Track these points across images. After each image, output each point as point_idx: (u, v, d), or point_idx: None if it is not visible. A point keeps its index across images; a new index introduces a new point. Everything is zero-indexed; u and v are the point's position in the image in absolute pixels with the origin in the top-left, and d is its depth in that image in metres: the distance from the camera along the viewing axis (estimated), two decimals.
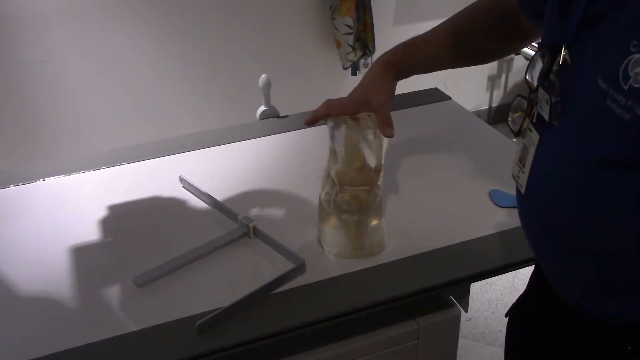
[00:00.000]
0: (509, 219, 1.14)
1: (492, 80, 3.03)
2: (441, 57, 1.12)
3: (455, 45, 1.10)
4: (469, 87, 2.98)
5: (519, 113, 0.81)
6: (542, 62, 0.72)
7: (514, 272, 1.05)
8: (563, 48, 0.69)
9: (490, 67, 2.98)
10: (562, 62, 0.69)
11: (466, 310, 1.10)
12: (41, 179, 1.34)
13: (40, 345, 0.91)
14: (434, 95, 1.65)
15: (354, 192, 1.01)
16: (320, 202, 1.06)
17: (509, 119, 0.84)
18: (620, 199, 0.66)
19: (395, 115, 1.56)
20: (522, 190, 0.79)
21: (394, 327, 1.04)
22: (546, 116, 0.73)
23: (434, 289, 1.00)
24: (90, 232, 1.16)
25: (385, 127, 0.97)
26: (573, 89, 0.68)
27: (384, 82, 1.05)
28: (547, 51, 0.71)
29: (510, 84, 3.11)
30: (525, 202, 0.80)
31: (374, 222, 1.05)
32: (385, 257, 1.05)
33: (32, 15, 2.11)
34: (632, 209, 0.65)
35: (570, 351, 0.84)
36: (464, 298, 1.10)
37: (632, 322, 0.73)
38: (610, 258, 0.70)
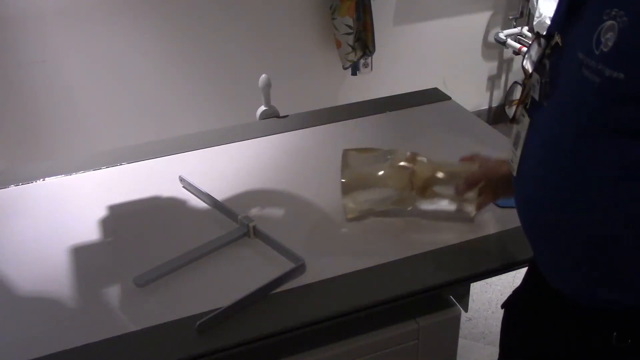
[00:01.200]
0: (509, 219, 1.14)
1: (492, 80, 3.03)
2: None
3: None
4: (469, 87, 2.98)
5: (515, 100, 0.84)
6: (537, 49, 0.78)
7: (514, 272, 1.05)
8: (556, 33, 0.74)
9: (490, 67, 2.98)
10: (554, 45, 0.74)
11: (466, 310, 1.10)
12: (41, 179, 1.34)
13: (40, 345, 0.91)
14: (434, 95, 1.65)
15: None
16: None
17: (506, 106, 0.87)
18: (602, 169, 0.68)
19: (395, 115, 1.57)
20: (514, 173, 0.83)
21: (394, 327, 1.04)
22: (536, 96, 0.77)
23: (434, 289, 1.00)
24: (90, 232, 1.16)
25: (463, 185, 1.06)
26: (560, 68, 0.73)
27: (497, 171, 1.05)
28: (543, 40, 0.76)
29: (510, 84, 3.11)
30: (517, 184, 0.82)
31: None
32: (385, 257, 1.05)
33: (32, 15, 2.11)
34: (612, 181, 0.67)
35: (562, 340, 0.85)
36: (464, 298, 1.10)
37: (619, 309, 0.74)
38: (595, 238, 0.71)
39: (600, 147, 0.67)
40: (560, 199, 0.73)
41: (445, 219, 1.13)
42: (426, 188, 1.10)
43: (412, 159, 1.10)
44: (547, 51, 0.75)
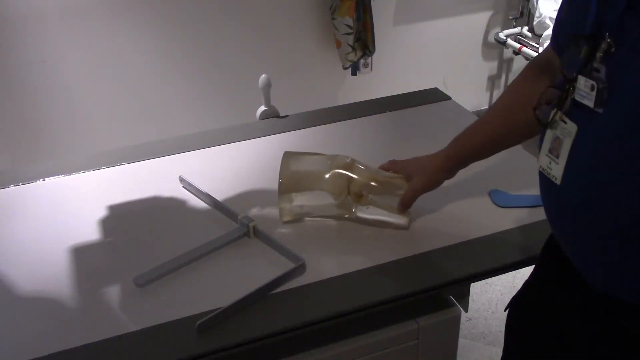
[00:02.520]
0: (508, 219, 1.14)
1: (492, 80, 3.03)
2: (496, 139, 1.09)
3: (509, 123, 1.06)
4: (469, 87, 2.98)
5: (547, 104, 0.80)
6: (579, 52, 0.72)
7: (514, 272, 1.05)
8: (607, 35, 0.69)
9: (490, 67, 2.98)
10: (605, 49, 0.70)
11: (466, 310, 1.10)
12: (41, 179, 1.34)
13: (40, 345, 0.91)
14: (434, 95, 1.65)
15: None
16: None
17: (536, 110, 0.82)
18: None
19: (395, 115, 1.56)
20: (558, 182, 0.78)
21: (394, 327, 1.04)
22: (591, 103, 0.72)
23: (434, 289, 0.99)
24: (90, 232, 1.16)
25: (400, 205, 1.10)
26: (618, 75, 0.68)
27: (433, 173, 1.11)
28: (585, 41, 0.71)
29: (510, 83, 3.12)
30: (561, 193, 0.78)
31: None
32: (385, 257, 1.05)
33: (32, 15, 2.11)
34: None
35: (571, 340, 0.85)
36: (464, 298, 1.10)
37: None
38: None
39: None
40: (619, 209, 0.71)
41: (382, 227, 1.13)
42: (362, 195, 1.11)
43: (351, 165, 1.12)
44: (600, 54, 0.70)
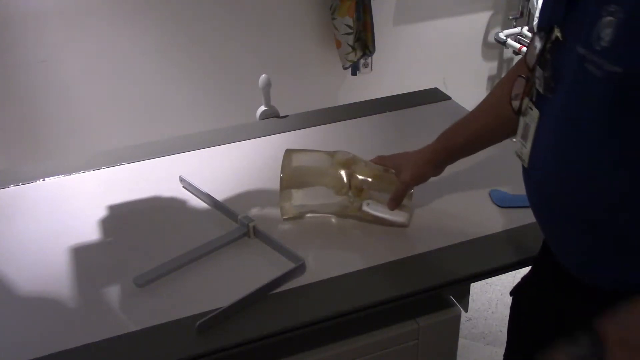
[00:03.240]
0: (508, 219, 1.14)
1: (492, 80, 3.03)
2: (482, 134, 1.11)
3: (495, 118, 1.08)
4: (469, 87, 2.98)
5: (520, 93, 0.87)
6: (540, 43, 0.80)
7: (514, 272, 1.05)
8: (555, 27, 0.77)
9: (490, 67, 2.98)
10: (554, 39, 0.77)
11: (466, 310, 1.10)
12: (41, 179, 1.34)
13: (40, 345, 0.91)
14: (434, 95, 1.65)
15: None
16: None
17: (512, 100, 0.89)
18: (605, 157, 0.71)
19: (395, 115, 1.56)
20: (525, 164, 0.85)
21: (394, 327, 1.04)
22: (541, 89, 0.80)
23: (434, 289, 1.00)
24: (90, 232, 1.16)
25: (391, 200, 1.10)
26: (563, 62, 0.75)
27: (421, 166, 1.12)
28: (543, 33, 0.79)
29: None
30: (528, 175, 0.85)
31: None
32: (385, 257, 1.05)
33: (32, 15, 2.11)
34: (613, 168, 0.71)
35: (572, 324, 0.85)
36: (464, 298, 1.10)
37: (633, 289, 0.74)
38: (603, 223, 0.74)
39: (603, 134, 0.70)
40: (568, 184, 0.77)
41: (382, 224, 1.13)
42: (362, 189, 1.11)
43: (352, 160, 1.12)
44: (548, 45, 0.78)
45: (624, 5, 0.66)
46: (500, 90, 1.08)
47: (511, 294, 1.02)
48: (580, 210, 0.76)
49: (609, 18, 0.68)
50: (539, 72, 0.80)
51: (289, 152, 1.13)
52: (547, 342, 0.87)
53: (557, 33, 0.77)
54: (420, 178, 1.12)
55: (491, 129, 1.08)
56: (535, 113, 0.82)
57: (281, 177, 1.10)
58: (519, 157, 0.87)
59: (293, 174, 1.11)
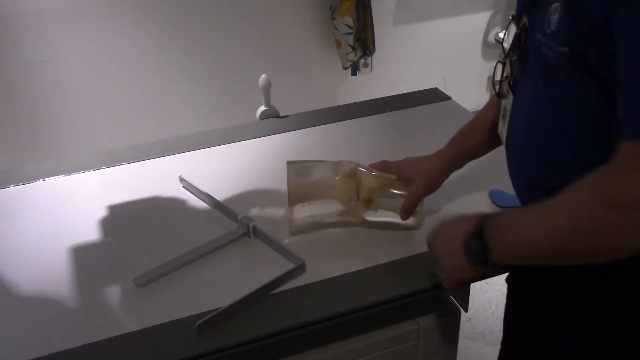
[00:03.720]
0: None
1: (492, 80, 3.03)
2: (494, 136, 1.09)
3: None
4: (469, 87, 2.98)
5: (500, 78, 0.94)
6: (514, 30, 0.87)
7: None
8: (524, 15, 0.84)
9: (490, 67, 2.98)
10: (522, 26, 0.84)
11: (466, 310, 1.10)
12: (41, 179, 1.34)
13: (40, 345, 0.91)
14: (434, 95, 1.65)
15: None
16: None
17: (494, 84, 0.96)
18: (561, 132, 0.77)
19: (395, 115, 1.57)
20: (503, 143, 0.93)
21: (394, 327, 1.03)
22: (515, 73, 0.88)
23: (434, 289, 0.99)
24: (90, 232, 1.16)
25: (403, 212, 1.09)
26: (530, 47, 0.82)
27: (434, 177, 1.10)
28: (515, 22, 0.87)
29: None
30: (507, 151, 0.92)
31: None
32: (385, 257, 1.05)
33: (32, 15, 2.11)
34: (568, 142, 0.77)
35: (564, 307, 0.87)
36: (464, 298, 1.10)
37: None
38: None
39: (558, 112, 0.77)
40: (532, 158, 0.84)
41: (392, 229, 1.13)
42: (371, 200, 1.10)
43: (356, 170, 1.10)
44: (518, 32, 0.85)
45: None
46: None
47: (506, 280, 1.02)
48: (540, 181, 0.83)
49: (556, 4, 0.74)
50: (512, 57, 0.88)
51: (291, 166, 1.10)
52: (543, 325, 0.88)
53: (524, 20, 0.83)
54: (434, 188, 1.11)
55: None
56: (511, 96, 0.89)
57: (289, 194, 1.08)
58: (500, 136, 0.95)
59: (300, 189, 1.09)
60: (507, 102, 0.90)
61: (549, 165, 0.81)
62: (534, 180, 0.84)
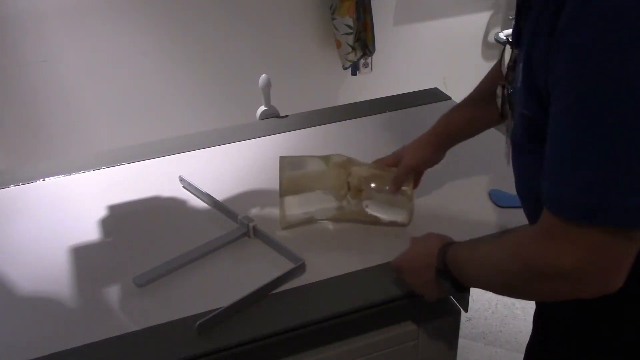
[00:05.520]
0: (508, 219, 1.13)
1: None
2: (481, 115, 1.13)
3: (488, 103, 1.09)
4: (469, 87, 2.97)
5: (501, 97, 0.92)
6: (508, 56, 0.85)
7: None
8: (513, 47, 0.82)
9: (490, 67, 2.98)
10: (514, 58, 0.81)
11: (466, 310, 1.10)
12: (41, 179, 1.34)
13: (40, 345, 0.91)
14: (434, 95, 1.65)
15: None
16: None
17: (496, 97, 0.93)
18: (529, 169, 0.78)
19: (395, 115, 1.57)
20: (508, 163, 0.91)
21: (394, 327, 1.04)
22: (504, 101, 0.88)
23: None
24: (90, 232, 1.16)
25: (393, 184, 1.10)
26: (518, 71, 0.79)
27: (422, 149, 1.13)
28: (510, 49, 0.84)
29: None
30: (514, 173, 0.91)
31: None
32: (385, 257, 1.05)
33: (32, 15, 2.11)
34: (532, 178, 0.74)
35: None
36: (464, 298, 1.10)
37: None
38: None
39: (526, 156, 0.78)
40: (518, 189, 0.86)
41: (382, 224, 1.13)
42: (361, 190, 1.11)
43: (347, 161, 1.12)
44: (510, 63, 0.82)
45: (523, 48, 0.69)
46: (492, 74, 1.11)
47: (533, 322, 1.01)
48: (525, 209, 0.87)
49: (521, 64, 0.70)
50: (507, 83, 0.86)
51: (283, 160, 1.12)
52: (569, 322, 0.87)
53: (515, 53, 0.80)
54: (422, 160, 1.12)
55: (489, 112, 1.08)
56: (510, 119, 0.87)
57: (280, 186, 1.09)
58: (506, 157, 0.93)
59: (291, 181, 1.11)
60: (508, 124, 0.89)
61: (525, 199, 0.85)
62: (524, 209, 0.88)
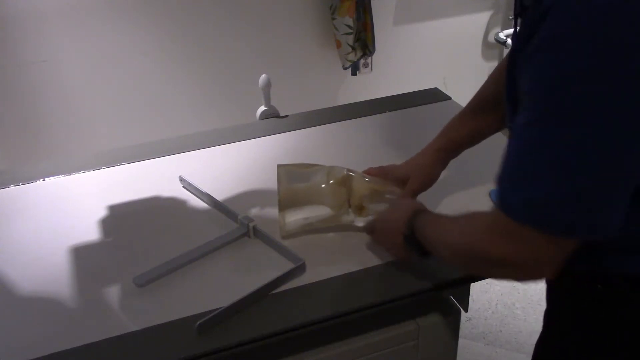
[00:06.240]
0: None
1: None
2: (484, 127, 1.13)
3: (496, 111, 1.09)
4: (469, 87, 2.97)
5: None
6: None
7: None
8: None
9: (490, 67, 2.98)
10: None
11: (466, 310, 1.10)
12: (41, 179, 1.34)
13: (40, 345, 0.91)
14: (434, 95, 1.65)
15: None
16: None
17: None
18: None
19: (395, 115, 1.56)
20: None
21: (393, 327, 1.04)
22: None
23: (434, 289, 0.99)
24: (90, 232, 1.16)
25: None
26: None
27: (431, 170, 1.12)
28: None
29: None
30: None
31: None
32: (385, 257, 1.05)
33: (32, 15, 2.11)
34: None
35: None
36: (464, 298, 1.10)
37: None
38: None
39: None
40: None
41: None
42: (363, 207, 1.10)
43: (348, 177, 1.10)
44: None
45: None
46: (495, 85, 1.08)
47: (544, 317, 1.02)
48: None
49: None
50: None
51: (281, 170, 1.10)
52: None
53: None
54: (430, 181, 1.12)
55: (491, 121, 1.09)
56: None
57: (279, 199, 1.08)
58: None
59: (290, 194, 1.09)
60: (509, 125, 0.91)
61: None
62: None
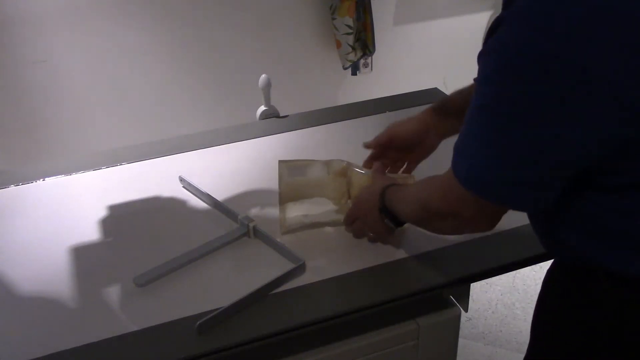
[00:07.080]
0: (508, 219, 1.13)
1: None
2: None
3: None
4: None
5: None
6: None
7: (514, 272, 1.05)
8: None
9: None
10: None
11: (466, 310, 1.10)
12: (41, 179, 1.34)
13: (40, 345, 0.91)
14: (434, 95, 1.65)
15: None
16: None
17: None
18: None
19: (395, 116, 1.57)
20: None
21: (394, 327, 1.04)
22: None
23: (434, 289, 1.00)
24: (90, 232, 1.16)
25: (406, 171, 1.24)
26: None
27: (411, 119, 1.20)
28: None
29: None
30: None
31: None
32: (385, 257, 1.05)
33: (32, 15, 2.11)
34: None
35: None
36: (464, 298, 1.10)
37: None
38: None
39: None
40: None
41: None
42: None
43: (347, 169, 1.11)
44: None
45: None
46: None
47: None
48: None
49: None
50: None
51: (282, 165, 1.11)
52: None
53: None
54: (430, 149, 1.20)
55: None
56: None
57: (279, 193, 1.08)
58: None
59: (290, 188, 1.10)
60: None
61: None
62: None
